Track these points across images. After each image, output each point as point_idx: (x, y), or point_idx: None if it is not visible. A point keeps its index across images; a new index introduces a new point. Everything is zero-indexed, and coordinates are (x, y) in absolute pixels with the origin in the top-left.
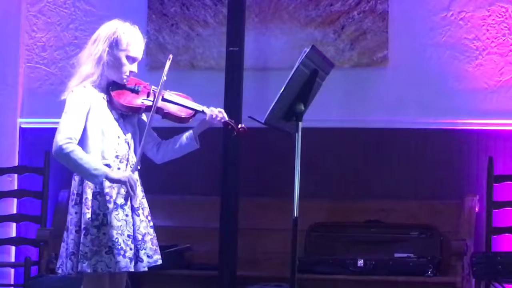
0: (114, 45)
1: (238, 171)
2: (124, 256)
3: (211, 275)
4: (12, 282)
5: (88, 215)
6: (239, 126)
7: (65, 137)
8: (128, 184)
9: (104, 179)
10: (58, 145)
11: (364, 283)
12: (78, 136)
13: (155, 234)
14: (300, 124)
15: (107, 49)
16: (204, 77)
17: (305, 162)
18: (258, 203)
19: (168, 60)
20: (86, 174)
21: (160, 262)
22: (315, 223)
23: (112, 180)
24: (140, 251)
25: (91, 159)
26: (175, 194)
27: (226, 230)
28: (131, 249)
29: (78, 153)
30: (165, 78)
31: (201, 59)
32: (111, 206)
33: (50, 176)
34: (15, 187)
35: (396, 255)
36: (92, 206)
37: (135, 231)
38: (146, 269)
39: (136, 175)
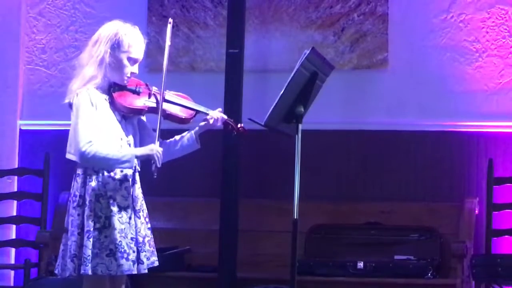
0: (116, 46)
1: (238, 173)
2: (127, 259)
3: (211, 277)
4: (12, 284)
5: (91, 217)
6: (239, 125)
7: (85, 142)
8: (155, 155)
9: (135, 159)
10: (80, 152)
11: (364, 285)
12: (97, 136)
13: (152, 236)
14: (300, 126)
15: (109, 50)
16: (204, 79)
17: (305, 164)
18: (258, 205)
19: (169, 24)
20: (118, 164)
21: (156, 263)
22: (315, 225)
23: (141, 157)
24: (141, 253)
25: (114, 150)
26: (175, 196)
27: (226, 232)
28: (134, 251)
29: (101, 151)
30: (169, 43)
31: (201, 61)
32: (114, 209)
33: (50, 178)
34: (15, 189)
35: (396, 257)
36: (94, 209)
37: (137, 233)
38: (146, 271)
39: (137, 176)
